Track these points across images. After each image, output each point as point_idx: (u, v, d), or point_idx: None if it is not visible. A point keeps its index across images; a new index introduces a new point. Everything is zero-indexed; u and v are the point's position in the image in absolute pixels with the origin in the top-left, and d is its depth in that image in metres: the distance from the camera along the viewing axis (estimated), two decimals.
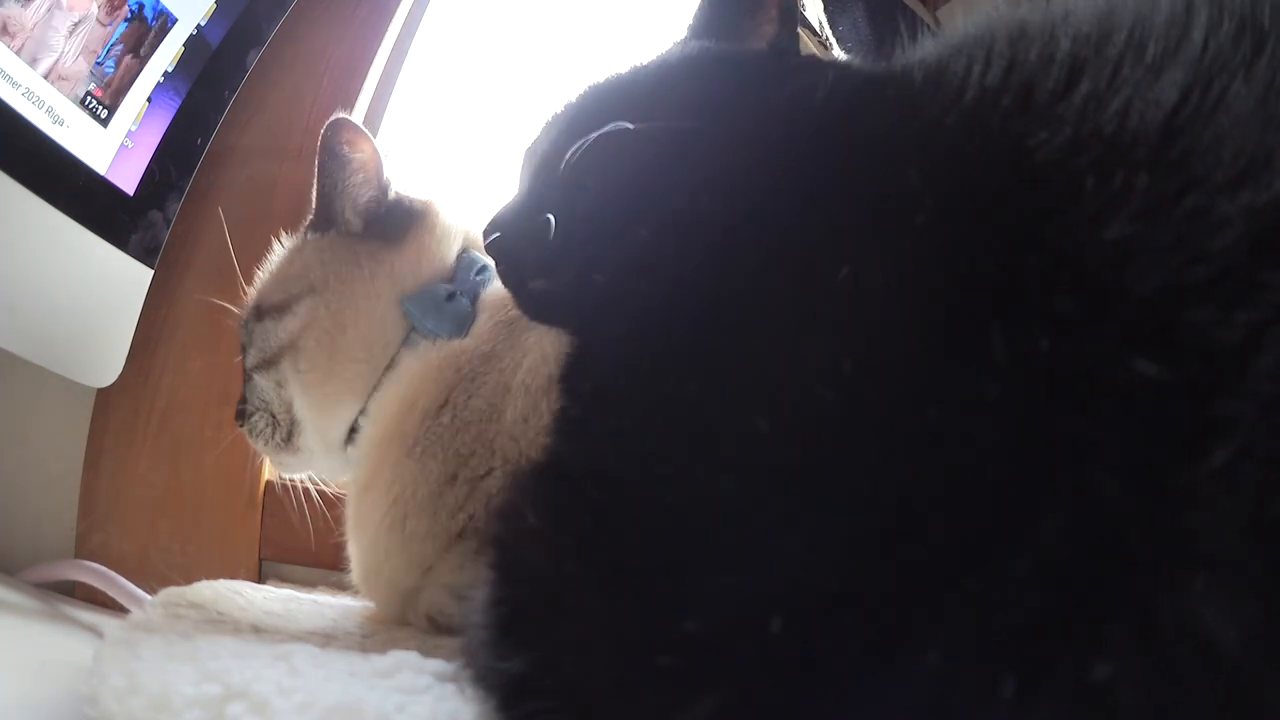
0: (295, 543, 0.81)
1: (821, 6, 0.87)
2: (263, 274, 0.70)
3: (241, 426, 0.69)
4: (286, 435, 0.67)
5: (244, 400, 0.69)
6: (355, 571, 0.64)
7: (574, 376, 0.35)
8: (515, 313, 0.63)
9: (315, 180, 0.68)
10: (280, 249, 0.71)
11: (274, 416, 0.67)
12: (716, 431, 0.26)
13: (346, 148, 0.66)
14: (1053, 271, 0.22)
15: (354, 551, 0.64)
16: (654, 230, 0.34)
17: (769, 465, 0.24)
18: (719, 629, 0.23)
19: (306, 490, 0.74)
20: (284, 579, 0.83)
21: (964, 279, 0.24)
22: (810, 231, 0.28)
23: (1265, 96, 0.21)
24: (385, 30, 0.95)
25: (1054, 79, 0.25)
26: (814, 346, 0.25)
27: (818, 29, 0.92)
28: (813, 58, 0.46)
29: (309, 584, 0.80)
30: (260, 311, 0.67)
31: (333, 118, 0.66)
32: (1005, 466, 0.21)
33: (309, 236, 0.69)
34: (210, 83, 0.81)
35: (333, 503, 0.73)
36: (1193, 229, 0.20)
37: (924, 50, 0.33)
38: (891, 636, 0.21)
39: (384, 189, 0.68)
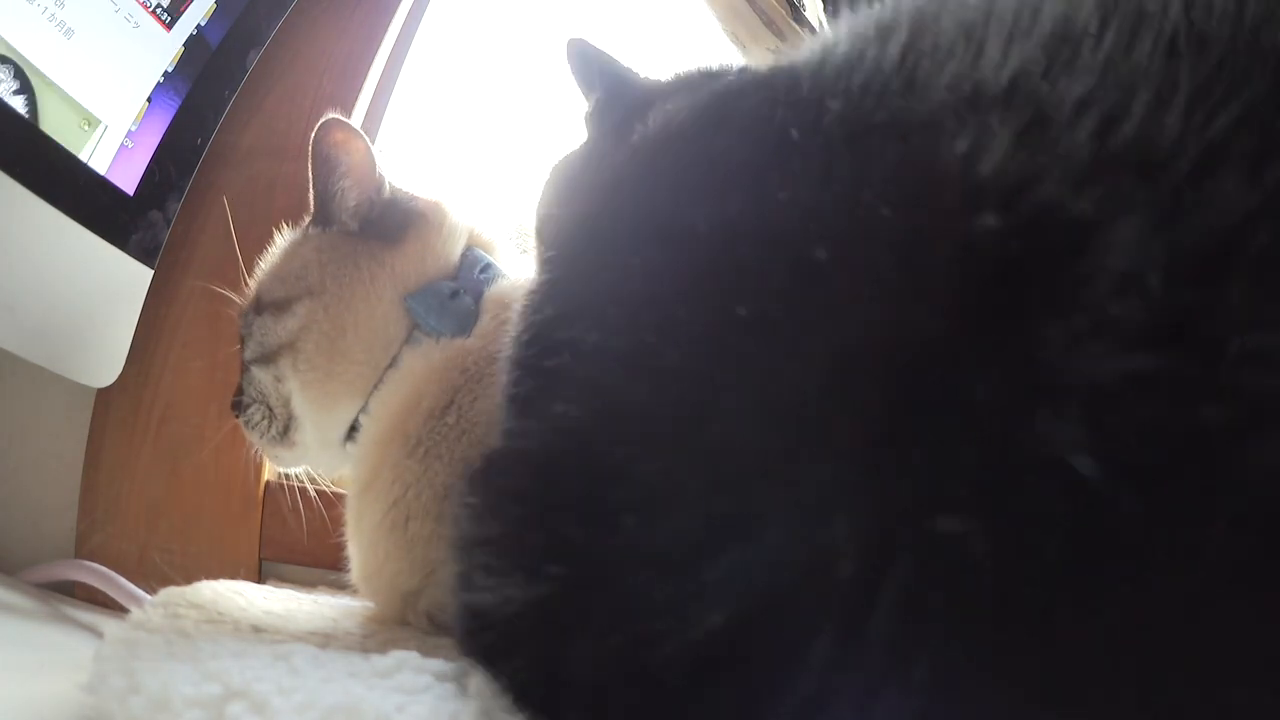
0: (295, 543, 0.81)
1: (821, 6, 0.87)
2: (264, 265, 0.70)
3: (238, 417, 0.69)
4: (283, 429, 0.67)
5: (241, 391, 0.68)
6: (355, 571, 0.64)
7: (525, 356, 0.38)
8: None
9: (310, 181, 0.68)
10: (282, 240, 0.70)
11: (271, 410, 0.67)
12: (631, 413, 0.29)
13: (335, 150, 0.66)
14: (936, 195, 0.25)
15: (353, 551, 0.64)
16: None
17: (678, 447, 0.26)
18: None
19: (306, 490, 0.73)
20: (284, 579, 0.82)
21: (846, 230, 0.26)
22: (682, 222, 0.31)
23: (1110, 56, 0.24)
24: (385, 30, 0.95)
25: (933, 60, 0.28)
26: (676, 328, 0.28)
27: (818, 29, 0.92)
28: (720, 68, 0.50)
29: (309, 584, 0.79)
30: (260, 305, 0.67)
31: (323, 119, 0.65)
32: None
33: (310, 232, 0.69)
34: (210, 83, 0.81)
35: (332, 502, 0.73)
36: (1052, 150, 0.23)
37: (822, 39, 0.36)
38: (794, 663, 0.22)
39: (376, 190, 0.67)
